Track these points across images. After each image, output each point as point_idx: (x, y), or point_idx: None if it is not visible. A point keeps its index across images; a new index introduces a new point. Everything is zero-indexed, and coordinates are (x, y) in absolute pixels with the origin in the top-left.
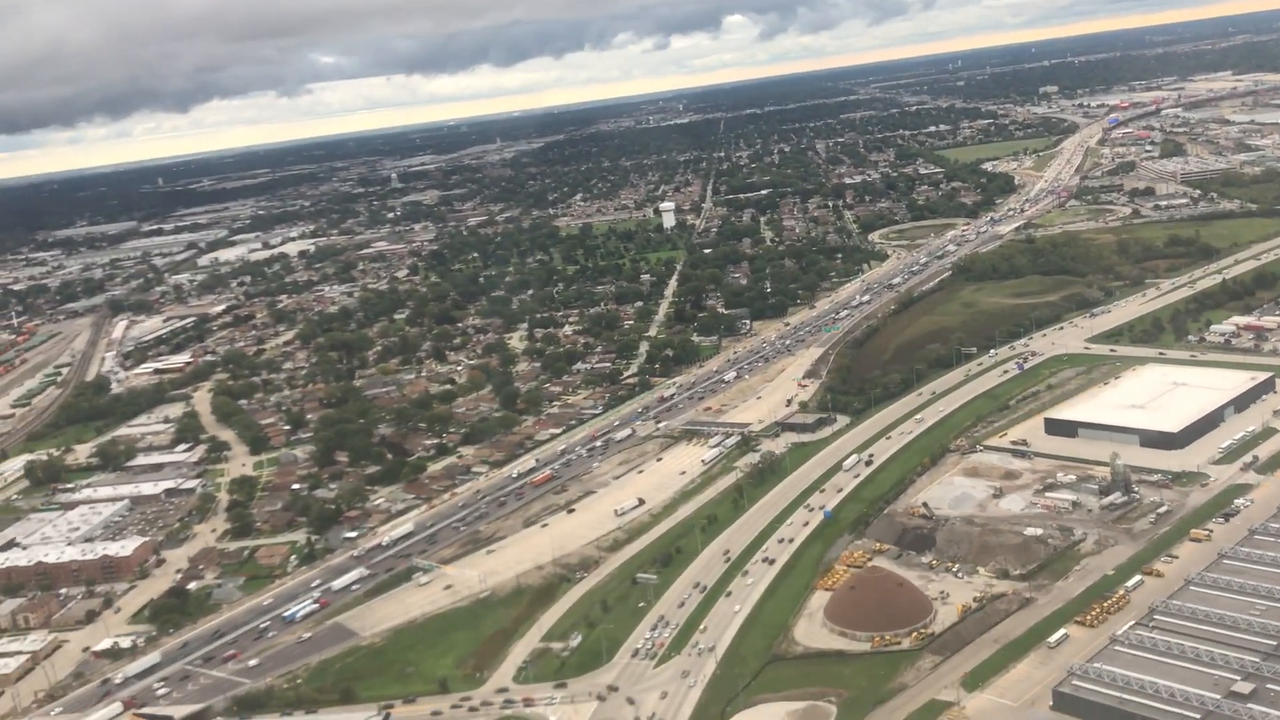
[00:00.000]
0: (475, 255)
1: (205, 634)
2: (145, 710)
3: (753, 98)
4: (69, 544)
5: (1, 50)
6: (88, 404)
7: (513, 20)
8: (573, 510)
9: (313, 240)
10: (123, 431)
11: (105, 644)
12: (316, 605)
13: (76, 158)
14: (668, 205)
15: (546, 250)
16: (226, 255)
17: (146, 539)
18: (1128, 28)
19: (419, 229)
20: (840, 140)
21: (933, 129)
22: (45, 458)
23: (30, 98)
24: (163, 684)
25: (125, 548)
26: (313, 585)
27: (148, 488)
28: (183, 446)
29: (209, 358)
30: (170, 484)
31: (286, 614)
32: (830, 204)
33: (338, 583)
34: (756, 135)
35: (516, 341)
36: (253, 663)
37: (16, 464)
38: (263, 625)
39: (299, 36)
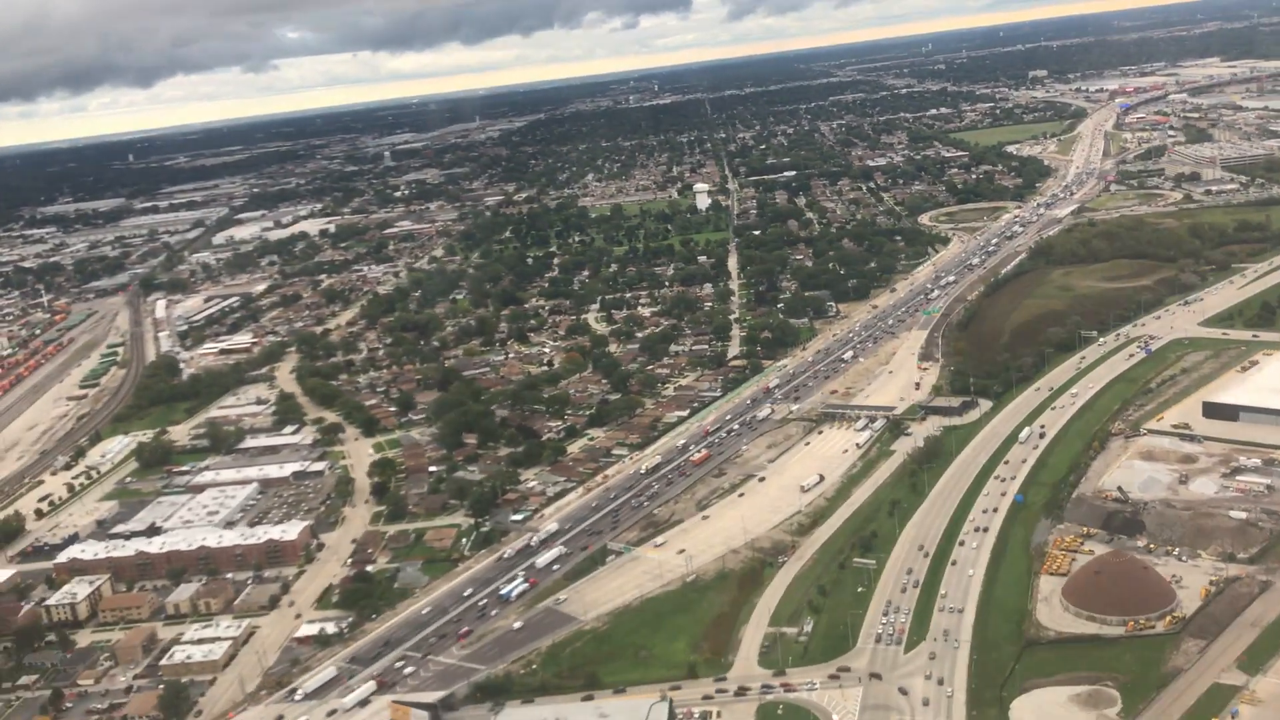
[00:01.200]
0: (508, 235)
1: (412, 619)
2: (402, 699)
3: (726, 79)
4: (222, 528)
5: None
6: (163, 385)
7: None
8: (742, 494)
9: (326, 219)
10: (216, 413)
11: (309, 629)
12: (527, 584)
13: (29, 132)
14: (701, 186)
15: (582, 230)
16: (240, 233)
17: (306, 523)
18: (1088, 12)
19: (434, 208)
20: (841, 122)
21: (934, 112)
22: (150, 439)
23: None
24: (403, 663)
25: (287, 531)
26: (515, 564)
27: (272, 470)
28: (290, 429)
29: (272, 338)
30: (296, 466)
31: (503, 591)
32: (863, 186)
33: (540, 560)
34: (752, 117)
35: (593, 322)
36: (474, 648)
37: (113, 445)
38: (481, 603)
39: (275, 12)
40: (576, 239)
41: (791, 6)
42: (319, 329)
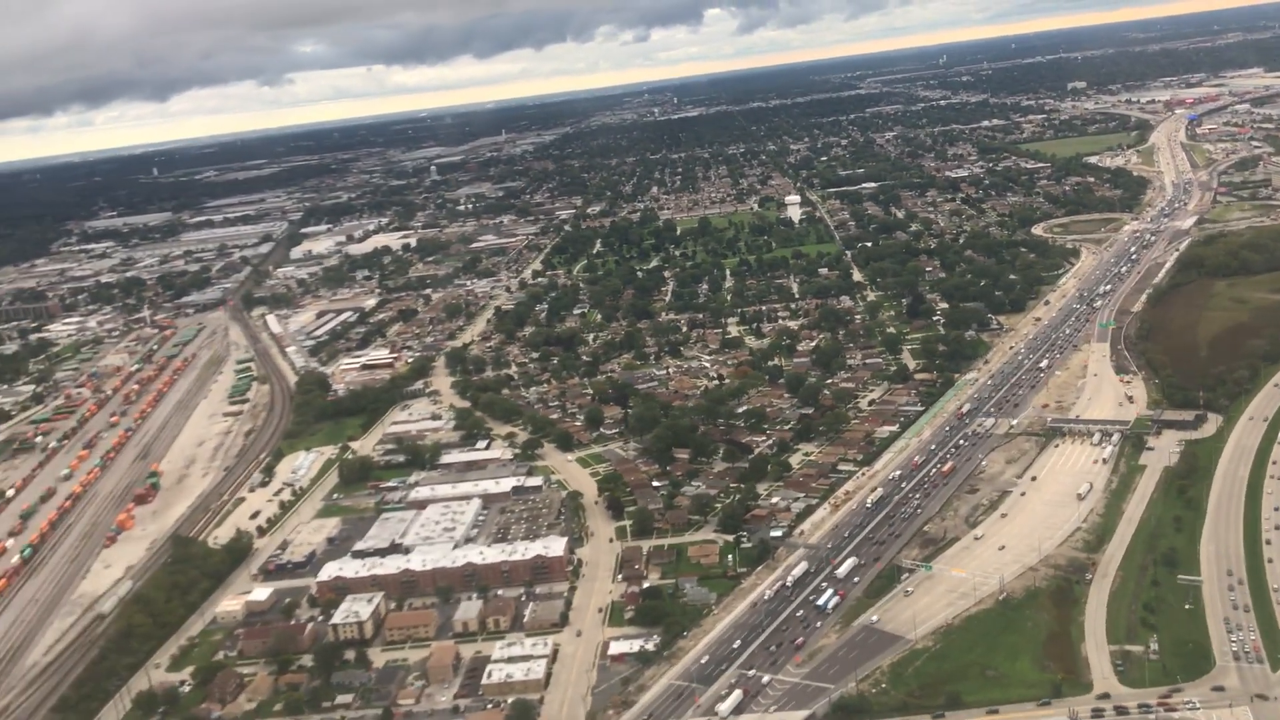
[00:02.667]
0: (602, 249)
1: (724, 635)
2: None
3: (742, 91)
4: (463, 544)
5: (29, 38)
6: (320, 401)
7: (495, 13)
8: (1005, 514)
9: (399, 233)
10: (394, 428)
11: (620, 646)
12: (838, 597)
13: (37, 146)
14: (793, 199)
15: (677, 243)
16: (316, 248)
17: (564, 538)
18: (1094, 24)
19: (508, 222)
20: (893, 134)
21: (986, 123)
22: (345, 456)
23: (11, 86)
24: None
25: (550, 547)
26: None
27: (489, 485)
28: (481, 444)
29: (408, 353)
30: (513, 481)
31: (819, 601)
32: (955, 198)
33: (840, 570)
34: (797, 129)
35: (737, 334)
36: (811, 666)
37: (300, 461)
38: (798, 614)
39: (298, 26)
40: (677, 252)
41: (800, 19)
42: (451, 344)
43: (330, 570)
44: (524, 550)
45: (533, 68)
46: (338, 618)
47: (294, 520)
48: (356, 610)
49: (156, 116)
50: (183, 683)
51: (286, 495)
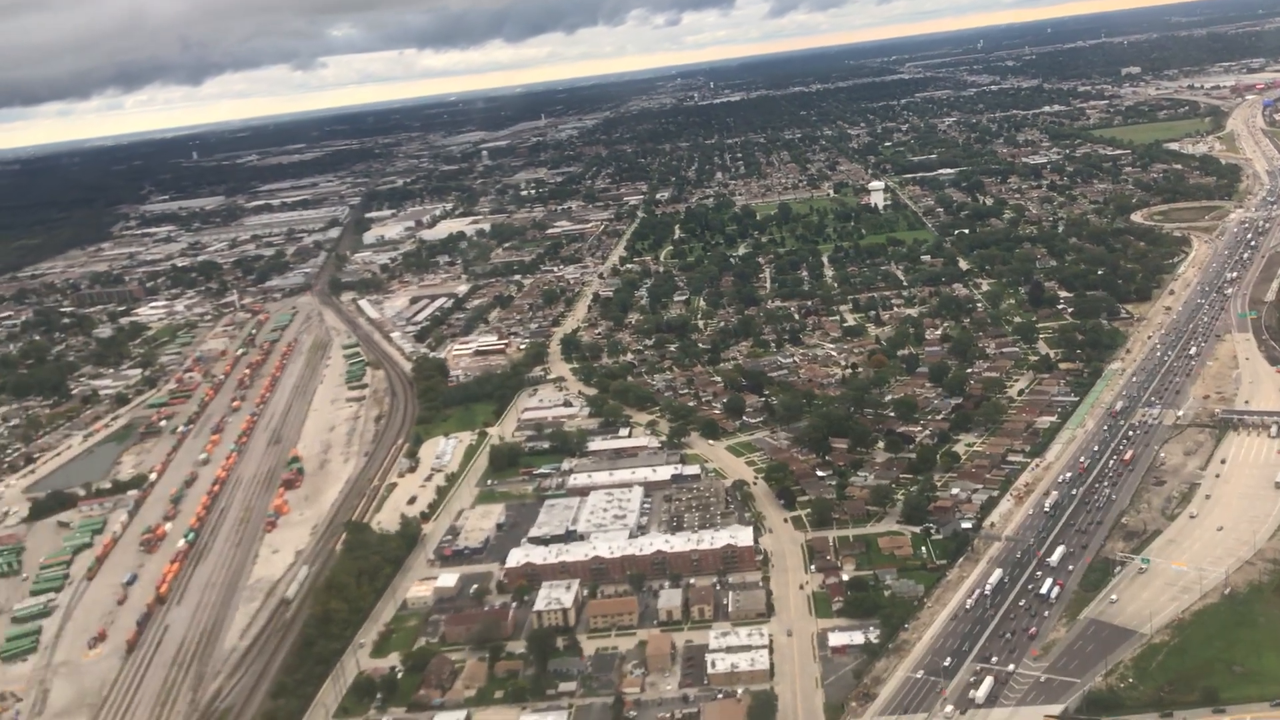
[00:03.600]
0: (683, 235)
1: (946, 629)
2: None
3: (778, 75)
4: (635, 531)
5: (81, 22)
6: (443, 386)
7: None
8: (1194, 515)
9: (467, 219)
10: (527, 415)
11: (840, 638)
12: (1058, 586)
13: (68, 130)
14: (877, 185)
15: (762, 229)
16: (388, 233)
17: (747, 527)
18: (1127, 8)
19: (576, 208)
20: (953, 120)
21: (1048, 109)
22: (486, 442)
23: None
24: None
25: (738, 536)
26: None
27: (646, 473)
28: (624, 431)
29: (515, 339)
30: (670, 469)
31: (1042, 590)
32: (1041, 184)
33: (1052, 559)
34: (851, 114)
35: (854, 322)
36: (1048, 660)
37: (442, 447)
38: (1021, 603)
39: (337, 12)
40: (765, 238)
41: (832, 3)
42: (556, 330)
43: (517, 556)
44: (711, 539)
45: (559, 52)
46: (539, 604)
47: (454, 506)
48: (558, 597)
49: (185, 100)
50: (393, 668)
51: (439, 480)
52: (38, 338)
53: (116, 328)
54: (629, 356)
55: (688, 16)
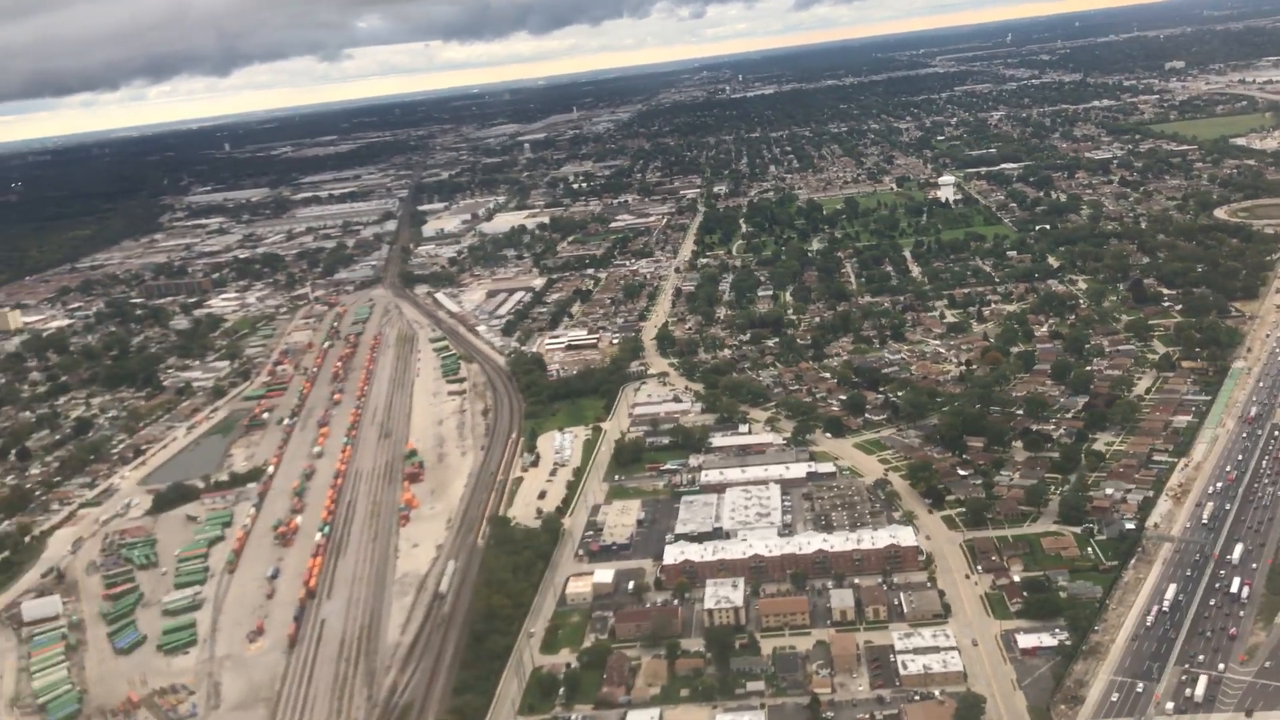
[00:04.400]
0: (749, 229)
1: (1137, 631)
2: None
3: (807, 69)
4: (780, 530)
5: (125, 13)
6: (544, 381)
7: None
8: None
9: (522, 212)
10: (639, 410)
11: (1029, 640)
12: (1246, 585)
13: (89, 121)
14: (947, 179)
15: (831, 223)
16: (447, 226)
17: (909, 527)
18: (1145, 2)
19: (632, 201)
20: (1000, 113)
21: (1096, 103)
22: (622, 437)
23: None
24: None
25: (899, 536)
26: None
27: (779, 470)
28: (744, 427)
29: (606, 334)
30: (804, 467)
31: (1232, 589)
32: (1110, 180)
33: (1233, 556)
34: (893, 108)
35: (953, 318)
36: (1256, 665)
37: (559, 442)
38: (1211, 602)
39: (367, 4)
40: (839, 233)
41: None
42: (643, 324)
43: (673, 553)
44: (872, 538)
45: (579, 44)
46: (709, 602)
47: (586, 501)
48: (726, 595)
49: (207, 91)
50: (569, 665)
51: (564, 476)
52: (113, 329)
53: (193, 320)
54: (726, 352)
55: (712, 9)
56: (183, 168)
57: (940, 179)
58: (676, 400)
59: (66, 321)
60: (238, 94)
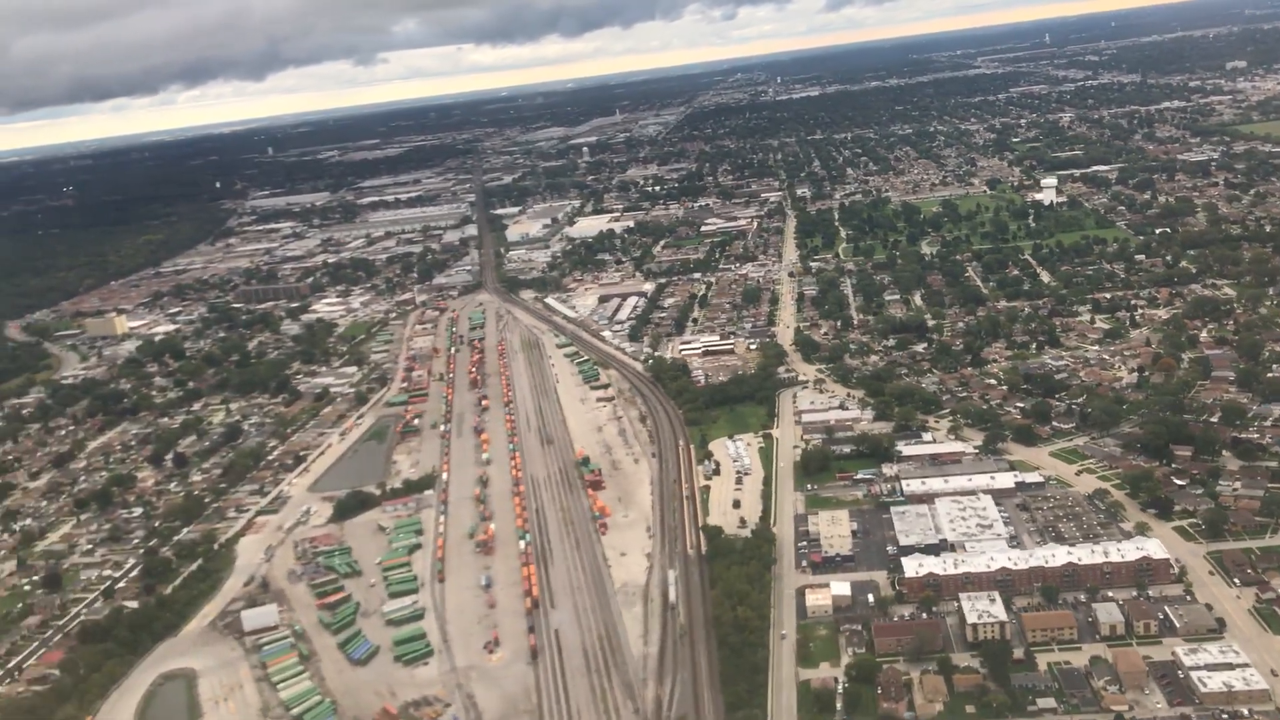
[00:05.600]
0: (847, 232)
1: None
2: None
3: (846, 70)
4: (1008, 541)
5: (182, 18)
6: (692, 388)
7: None
8: None
9: (601, 216)
10: (808, 418)
11: None
12: None
13: (118, 126)
14: (1050, 181)
15: (936, 227)
16: (529, 231)
17: (1154, 539)
18: (1182, 1)
19: (713, 204)
20: (1069, 114)
21: (1167, 105)
22: (808, 445)
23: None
24: None
25: (1147, 548)
26: None
27: (984, 480)
28: (928, 436)
29: (739, 338)
30: (1013, 476)
31: None
32: (1219, 181)
33: None
34: (957, 109)
35: (1102, 323)
36: None
37: (732, 448)
38: None
39: (408, 10)
40: (950, 235)
41: None
42: (773, 329)
43: (912, 566)
44: (1120, 551)
45: (605, 47)
46: (971, 616)
47: (784, 510)
48: (988, 609)
49: (234, 95)
50: (837, 679)
51: (752, 484)
52: (222, 334)
53: (304, 325)
54: (873, 358)
55: (742, 10)
56: (230, 171)
57: (1043, 181)
58: (843, 408)
59: (171, 326)
60: (264, 98)
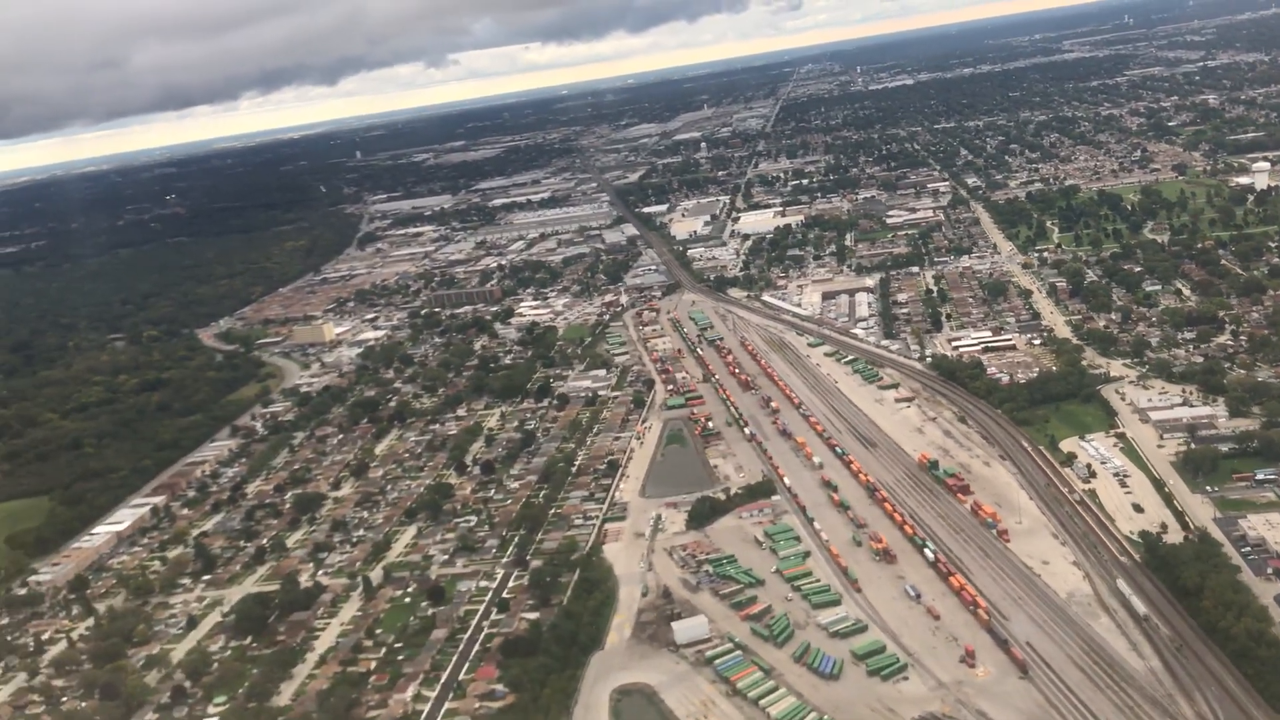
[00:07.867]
0: (1053, 221)
1: None
2: None
3: (925, 58)
4: None
5: (299, 24)
6: (996, 386)
7: None
8: None
9: (761, 211)
10: (1157, 416)
11: None
12: None
13: (182, 133)
14: (1262, 165)
15: (1148, 215)
16: (696, 229)
17: None
18: None
19: (882, 198)
20: (1214, 96)
21: None
22: (1196, 447)
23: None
24: None
25: None
26: None
27: None
28: None
29: (1012, 332)
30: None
31: None
32: None
33: None
34: (1082, 95)
35: None
36: None
37: (1091, 451)
38: None
39: (483, 10)
40: (1175, 223)
41: None
42: (1040, 322)
43: None
44: None
45: (659, 42)
46: None
47: (1194, 513)
48: None
49: (296, 100)
50: None
51: (1137, 486)
52: (438, 339)
53: (521, 329)
54: (1180, 351)
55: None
56: (328, 176)
57: (1254, 165)
58: (1187, 404)
59: (378, 332)
60: (324, 102)
